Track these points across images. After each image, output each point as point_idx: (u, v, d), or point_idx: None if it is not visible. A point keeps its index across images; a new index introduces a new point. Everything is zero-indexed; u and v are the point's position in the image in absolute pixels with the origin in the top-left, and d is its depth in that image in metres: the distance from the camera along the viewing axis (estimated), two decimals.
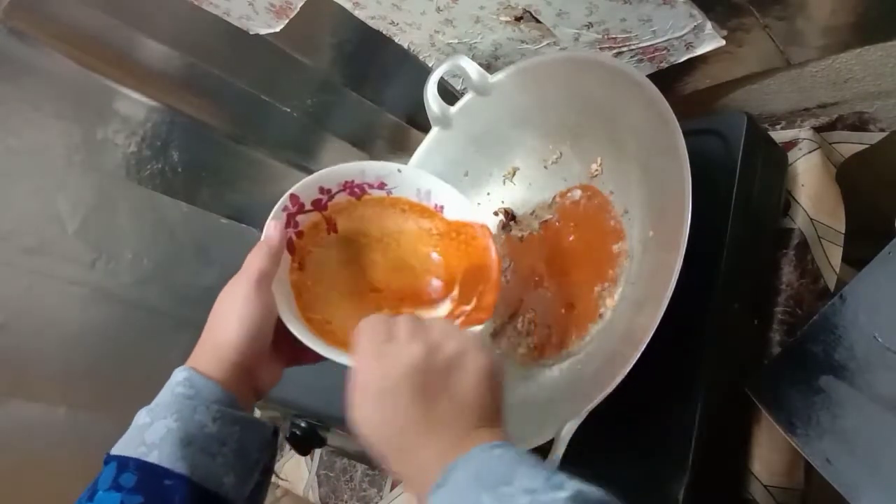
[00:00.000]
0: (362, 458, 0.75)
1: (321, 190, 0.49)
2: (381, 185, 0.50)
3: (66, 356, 0.78)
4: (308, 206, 0.49)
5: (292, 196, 0.48)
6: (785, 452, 0.47)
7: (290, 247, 0.48)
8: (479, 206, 0.62)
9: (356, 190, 0.50)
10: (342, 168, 0.49)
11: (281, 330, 0.43)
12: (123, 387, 0.83)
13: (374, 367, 0.36)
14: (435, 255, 0.52)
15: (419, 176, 0.51)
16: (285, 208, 0.47)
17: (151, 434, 0.38)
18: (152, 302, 0.85)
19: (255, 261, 0.43)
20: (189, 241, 0.88)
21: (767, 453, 0.47)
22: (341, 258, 0.50)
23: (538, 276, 0.56)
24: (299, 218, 0.48)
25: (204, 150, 0.90)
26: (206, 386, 0.39)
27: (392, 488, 0.73)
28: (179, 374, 0.40)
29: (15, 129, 0.73)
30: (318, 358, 0.43)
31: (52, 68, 0.74)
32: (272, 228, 0.46)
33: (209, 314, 0.44)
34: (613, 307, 0.49)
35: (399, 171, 0.50)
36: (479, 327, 0.47)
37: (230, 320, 0.42)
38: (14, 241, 0.73)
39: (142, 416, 0.40)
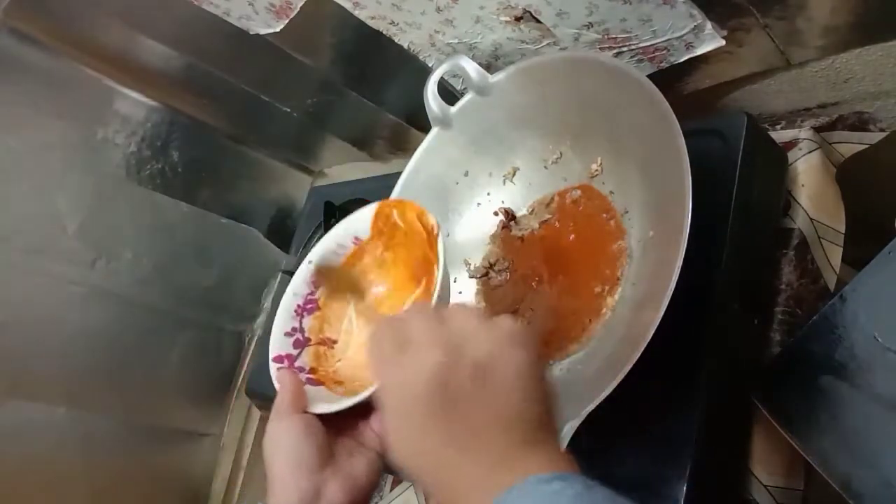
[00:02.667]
0: None
1: (294, 340, 0.49)
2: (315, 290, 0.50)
3: (66, 356, 0.78)
4: (302, 313, 0.49)
5: (276, 357, 0.47)
6: (785, 452, 0.47)
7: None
8: (479, 206, 0.62)
9: (318, 279, 0.50)
10: (304, 274, 0.50)
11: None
12: (123, 387, 0.83)
13: (391, 387, 0.32)
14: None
15: (327, 244, 0.51)
16: (279, 357, 0.47)
17: None
18: (152, 302, 0.85)
19: (282, 410, 0.41)
20: (189, 240, 0.88)
21: (767, 453, 0.47)
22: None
23: (538, 275, 0.56)
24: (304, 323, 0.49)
25: (204, 150, 0.90)
26: None
27: (392, 488, 0.73)
28: None
29: (15, 129, 0.73)
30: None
31: (52, 68, 0.74)
32: (286, 378, 0.43)
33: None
34: (613, 307, 0.49)
35: (310, 262, 0.51)
36: None
37: (282, 475, 0.38)
38: (14, 241, 0.73)
39: None
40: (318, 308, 0.50)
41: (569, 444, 0.38)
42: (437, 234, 0.45)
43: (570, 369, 0.50)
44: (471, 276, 0.60)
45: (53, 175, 0.76)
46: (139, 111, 0.83)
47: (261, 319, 0.97)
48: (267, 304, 0.97)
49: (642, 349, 0.38)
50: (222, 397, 0.95)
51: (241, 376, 0.96)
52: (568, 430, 0.38)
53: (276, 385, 0.44)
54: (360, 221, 0.51)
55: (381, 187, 0.64)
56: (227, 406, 0.95)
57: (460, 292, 0.60)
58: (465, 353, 0.31)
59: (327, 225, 0.83)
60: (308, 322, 0.49)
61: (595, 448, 0.45)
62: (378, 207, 0.50)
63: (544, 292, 0.55)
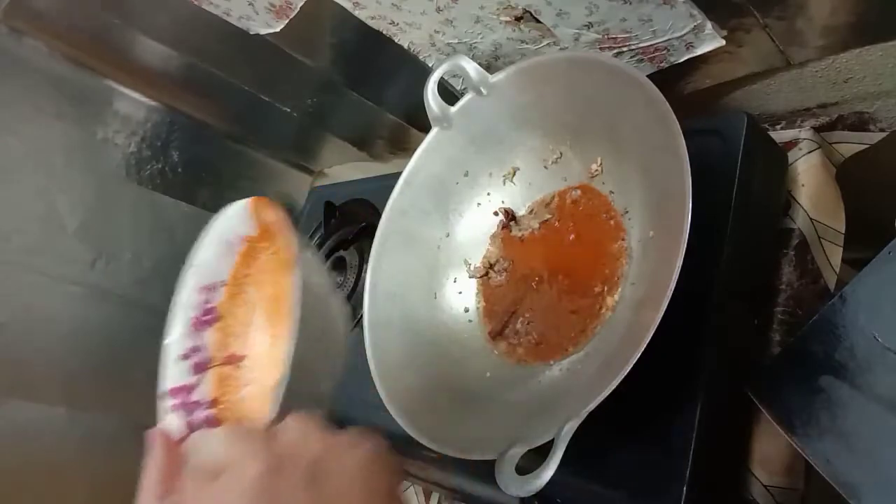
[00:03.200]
0: None
1: (193, 364, 0.41)
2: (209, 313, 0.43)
3: (66, 356, 0.78)
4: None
5: (171, 390, 0.40)
6: (785, 452, 0.47)
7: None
8: (479, 206, 0.62)
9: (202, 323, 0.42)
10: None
11: None
12: (123, 387, 0.83)
13: None
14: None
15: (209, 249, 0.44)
16: (174, 391, 0.40)
17: None
18: (152, 302, 0.85)
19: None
20: (189, 241, 0.87)
21: (767, 453, 0.47)
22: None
23: (538, 276, 0.56)
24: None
25: (204, 149, 0.90)
26: None
27: None
28: None
29: (15, 129, 0.73)
30: None
31: (52, 68, 0.74)
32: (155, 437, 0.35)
33: None
34: (613, 307, 0.49)
35: (192, 266, 0.44)
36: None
37: None
38: (14, 241, 0.73)
39: None
40: (219, 317, 0.42)
41: (569, 444, 0.38)
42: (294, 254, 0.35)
43: (570, 369, 0.50)
44: (471, 276, 0.60)
45: (53, 175, 0.76)
46: (139, 111, 0.83)
47: None
48: None
49: (642, 349, 0.38)
50: None
51: None
52: (568, 429, 0.38)
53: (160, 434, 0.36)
54: (236, 219, 0.43)
55: (381, 187, 0.65)
56: None
57: (460, 292, 0.60)
58: (295, 459, 0.28)
59: (327, 225, 0.83)
60: (209, 336, 0.42)
61: (595, 448, 0.45)
62: (253, 203, 0.43)
63: (544, 292, 0.55)
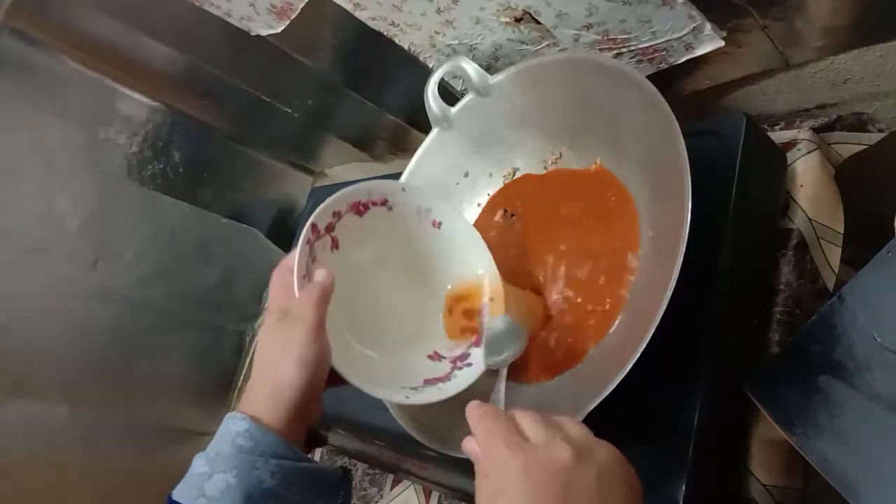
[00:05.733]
0: (363, 456, 0.75)
1: (334, 213, 0.48)
2: (384, 202, 0.51)
3: (68, 355, 0.78)
4: (322, 232, 0.48)
5: (313, 226, 0.46)
6: (784, 452, 0.47)
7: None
8: (479, 207, 0.62)
9: (361, 208, 0.50)
10: (352, 190, 0.49)
11: None
12: (124, 386, 0.83)
13: (512, 469, 0.31)
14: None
15: (421, 194, 0.52)
16: (308, 240, 0.46)
17: (211, 487, 0.37)
18: (153, 301, 0.86)
19: (309, 305, 0.42)
20: (190, 240, 0.89)
21: (767, 453, 0.48)
22: (345, 274, 0.49)
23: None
24: (316, 245, 0.47)
25: (205, 150, 0.91)
26: (265, 438, 0.38)
27: (392, 487, 0.74)
28: (240, 424, 0.39)
29: (17, 130, 0.73)
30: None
31: (54, 69, 0.75)
32: (324, 275, 0.44)
33: (257, 354, 0.43)
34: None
35: (403, 189, 0.51)
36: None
37: (289, 365, 0.40)
38: (16, 241, 0.73)
39: (200, 464, 0.38)
40: (365, 213, 0.50)
41: None
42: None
43: (570, 369, 0.50)
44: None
45: (55, 175, 0.76)
46: (140, 112, 0.83)
47: (261, 319, 0.97)
48: (267, 303, 0.97)
49: (642, 349, 0.38)
50: (223, 396, 0.95)
51: (242, 376, 0.96)
52: None
53: (316, 278, 0.43)
54: (446, 209, 0.52)
55: None
56: (227, 405, 0.95)
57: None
58: (591, 460, 0.32)
59: None
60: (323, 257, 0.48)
61: None
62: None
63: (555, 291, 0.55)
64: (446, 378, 0.49)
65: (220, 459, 0.38)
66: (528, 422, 0.34)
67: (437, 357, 0.51)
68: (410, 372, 0.49)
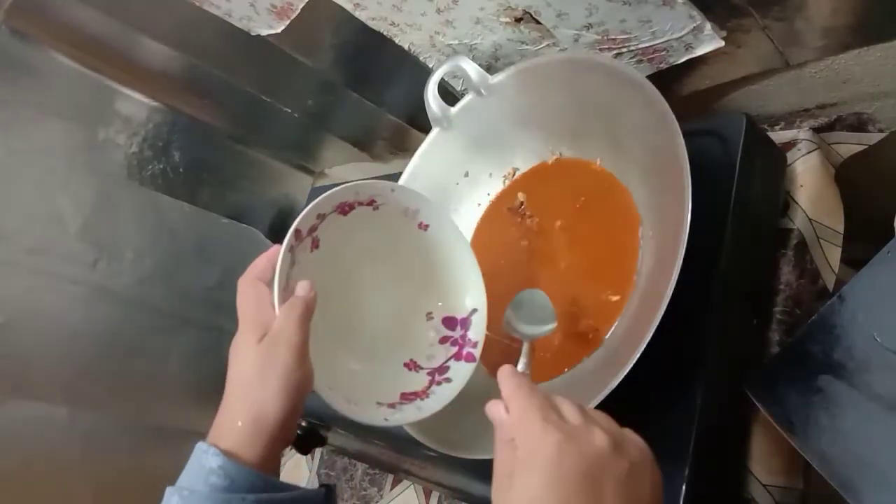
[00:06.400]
0: (363, 457, 0.75)
1: (318, 216, 0.46)
2: (371, 202, 0.49)
3: (68, 356, 0.78)
4: (305, 235, 0.46)
5: (297, 232, 0.44)
6: (784, 452, 0.47)
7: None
8: (479, 207, 0.62)
9: (346, 208, 0.48)
10: (339, 190, 0.47)
11: None
12: (124, 386, 0.83)
13: (545, 445, 0.30)
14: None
15: (411, 195, 0.51)
16: (291, 247, 0.44)
17: None
18: (153, 301, 0.85)
19: (293, 325, 0.39)
20: (190, 240, 0.88)
21: (767, 453, 0.48)
22: (324, 275, 0.47)
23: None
24: (297, 248, 0.45)
25: (205, 150, 0.91)
26: (241, 475, 0.36)
27: (392, 487, 0.74)
28: (213, 460, 0.36)
29: (17, 130, 0.73)
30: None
31: (54, 69, 0.74)
32: (307, 288, 0.41)
33: (232, 375, 0.40)
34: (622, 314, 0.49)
35: (392, 190, 0.50)
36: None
37: (274, 396, 0.37)
38: (16, 241, 0.73)
39: (173, 501, 0.36)
40: (318, 246, 0.47)
41: None
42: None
43: (570, 369, 0.50)
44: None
45: (55, 175, 0.76)
46: (140, 112, 0.83)
47: None
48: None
49: (642, 349, 0.38)
50: (223, 396, 0.95)
51: None
52: None
53: (298, 291, 0.42)
54: (433, 211, 0.51)
55: None
56: None
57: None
58: (625, 453, 0.31)
59: None
60: (304, 260, 0.46)
61: None
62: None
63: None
64: (424, 394, 0.48)
65: (194, 498, 0.36)
66: (565, 405, 0.33)
67: (413, 366, 0.50)
68: (388, 383, 0.48)
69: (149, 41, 0.72)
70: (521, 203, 0.59)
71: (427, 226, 0.51)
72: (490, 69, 0.57)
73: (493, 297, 0.56)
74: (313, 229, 0.46)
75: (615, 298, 0.49)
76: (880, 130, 0.55)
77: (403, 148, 0.87)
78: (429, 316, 0.52)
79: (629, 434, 0.33)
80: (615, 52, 0.54)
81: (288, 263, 0.43)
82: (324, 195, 0.46)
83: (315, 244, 0.47)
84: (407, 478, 0.72)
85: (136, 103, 0.82)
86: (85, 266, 0.79)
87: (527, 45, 0.57)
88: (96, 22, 0.70)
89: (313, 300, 0.41)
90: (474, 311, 0.51)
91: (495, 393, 0.52)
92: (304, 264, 0.45)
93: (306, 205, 0.45)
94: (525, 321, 0.46)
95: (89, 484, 0.80)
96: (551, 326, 0.45)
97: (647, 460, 0.32)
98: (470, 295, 0.51)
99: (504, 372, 0.36)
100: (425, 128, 0.60)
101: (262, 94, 0.80)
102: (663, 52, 0.53)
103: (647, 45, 0.52)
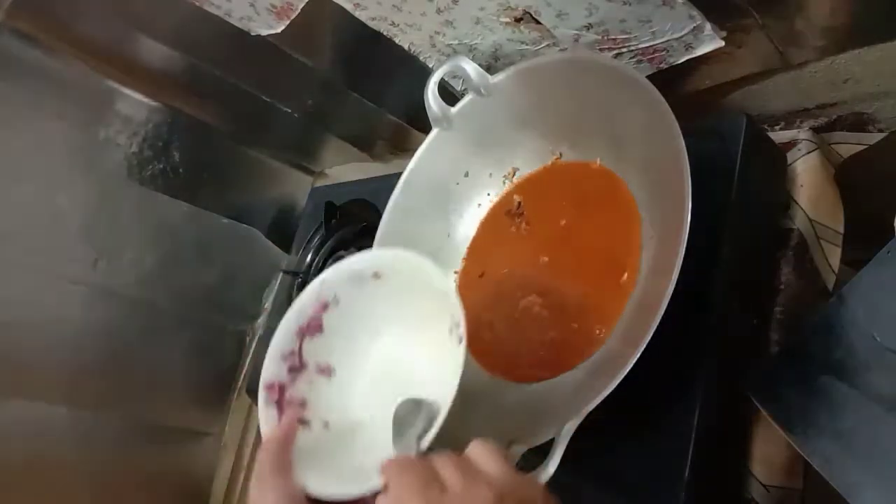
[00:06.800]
0: None
1: (290, 364, 0.45)
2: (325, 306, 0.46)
3: (68, 355, 0.78)
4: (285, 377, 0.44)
5: (267, 385, 0.44)
6: (784, 452, 0.47)
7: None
8: (479, 207, 0.62)
9: (313, 328, 0.46)
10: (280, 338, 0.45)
11: None
12: (125, 386, 0.83)
13: None
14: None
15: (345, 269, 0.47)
16: (271, 385, 0.43)
17: None
18: (153, 301, 0.86)
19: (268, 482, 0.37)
20: (190, 240, 0.89)
21: (766, 453, 0.48)
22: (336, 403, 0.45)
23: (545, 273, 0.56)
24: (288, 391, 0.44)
25: (205, 150, 0.91)
26: None
27: None
28: None
29: (17, 129, 0.73)
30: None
31: (54, 69, 0.75)
32: (267, 425, 0.41)
33: None
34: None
35: (323, 280, 0.47)
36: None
37: None
38: (16, 241, 0.73)
39: None
40: (322, 330, 0.46)
41: (569, 444, 0.38)
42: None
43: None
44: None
45: (55, 175, 0.76)
46: (141, 112, 0.83)
47: (262, 319, 0.97)
48: (268, 304, 0.97)
49: (642, 349, 0.38)
50: (223, 396, 0.95)
51: (242, 375, 0.96)
52: (568, 429, 0.39)
53: (262, 428, 0.42)
54: (383, 259, 0.47)
55: (381, 188, 0.65)
56: (227, 405, 0.95)
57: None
58: (512, 497, 0.31)
59: (328, 225, 0.83)
60: (309, 345, 0.46)
61: (594, 448, 0.45)
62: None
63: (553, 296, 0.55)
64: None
65: None
66: (447, 469, 0.33)
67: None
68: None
69: (149, 41, 0.72)
70: (519, 204, 0.59)
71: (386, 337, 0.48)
72: (490, 69, 0.57)
73: (494, 297, 0.56)
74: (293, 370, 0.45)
75: (615, 298, 0.49)
76: (880, 130, 0.55)
77: (403, 148, 0.87)
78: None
79: (515, 478, 0.32)
80: (615, 52, 0.54)
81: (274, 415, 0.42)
82: (292, 307, 0.46)
83: (318, 329, 0.46)
84: None
85: (136, 103, 0.82)
86: (85, 266, 0.79)
87: (527, 45, 0.57)
88: (96, 22, 0.70)
89: (279, 441, 0.40)
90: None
91: (495, 393, 0.53)
92: (310, 348, 0.45)
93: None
94: (405, 435, 0.40)
95: (89, 484, 0.80)
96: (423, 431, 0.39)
97: (538, 498, 0.32)
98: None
99: (383, 466, 0.35)
100: (425, 128, 0.60)
101: (262, 94, 0.80)
102: (663, 52, 0.53)
103: (647, 45, 0.52)
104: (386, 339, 0.47)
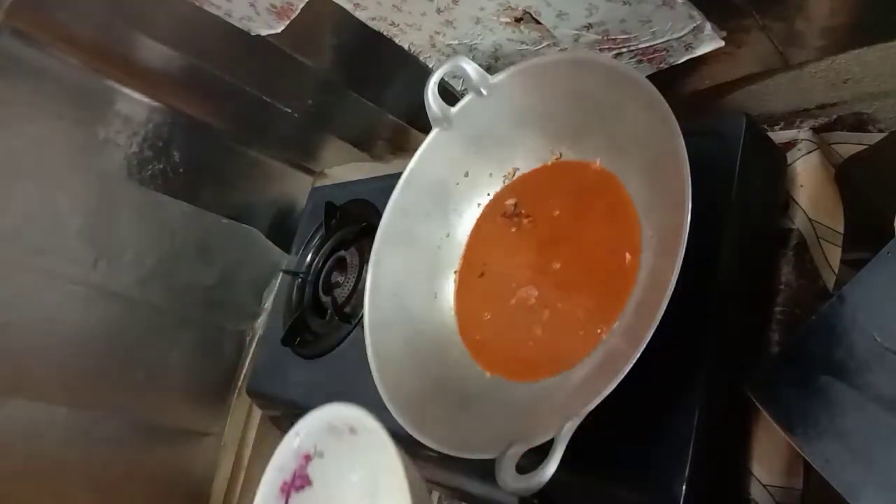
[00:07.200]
0: None
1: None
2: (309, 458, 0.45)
3: (68, 356, 0.78)
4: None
5: None
6: (784, 452, 0.47)
7: None
8: (479, 207, 0.62)
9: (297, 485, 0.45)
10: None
11: None
12: (124, 386, 0.83)
13: None
14: None
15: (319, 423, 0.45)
16: None
17: None
18: (154, 301, 0.86)
19: None
20: (190, 240, 0.89)
21: (767, 453, 0.48)
22: None
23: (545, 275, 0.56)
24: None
25: (205, 150, 0.91)
26: None
27: None
28: None
29: (17, 129, 0.73)
30: None
31: (54, 69, 0.75)
32: None
33: None
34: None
35: (297, 434, 0.45)
36: None
37: None
38: (16, 241, 0.73)
39: None
40: (310, 483, 0.44)
41: (569, 444, 0.38)
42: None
43: (570, 369, 0.50)
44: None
45: (55, 175, 0.76)
46: (140, 112, 0.83)
47: (262, 319, 0.97)
48: (268, 304, 0.97)
49: (642, 349, 0.38)
50: (223, 396, 0.95)
51: (242, 375, 0.96)
52: (568, 429, 0.39)
53: None
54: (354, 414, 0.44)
55: (381, 188, 0.65)
56: (227, 405, 0.95)
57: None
58: None
59: (328, 225, 0.83)
60: (297, 501, 0.44)
61: (595, 447, 0.45)
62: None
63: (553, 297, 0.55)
64: None
65: None
66: None
67: None
68: None
69: (149, 41, 0.72)
70: (515, 204, 0.59)
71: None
72: (490, 69, 0.57)
73: (493, 297, 0.56)
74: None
75: (615, 298, 0.49)
76: (880, 130, 0.55)
77: (403, 148, 0.87)
78: None
79: None
80: (615, 52, 0.54)
81: None
82: (272, 464, 0.44)
83: (305, 483, 0.45)
84: None
85: (135, 103, 0.82)
86: (85, 266, 0.79)
87: (527, 45, 0.57)
88: (96, 21, 0.70)
89: None
90: None
91: (495, 393, 0.53)
92: None
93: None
94: None
95: (89, 484, 0.80)
96: None
97: None
98: None
99: None
100: (425, 128, 0.60)
101: (262, 94, 0.80)
102: (663, 52, 0.53)
103: (647, 45, 0.52)
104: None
